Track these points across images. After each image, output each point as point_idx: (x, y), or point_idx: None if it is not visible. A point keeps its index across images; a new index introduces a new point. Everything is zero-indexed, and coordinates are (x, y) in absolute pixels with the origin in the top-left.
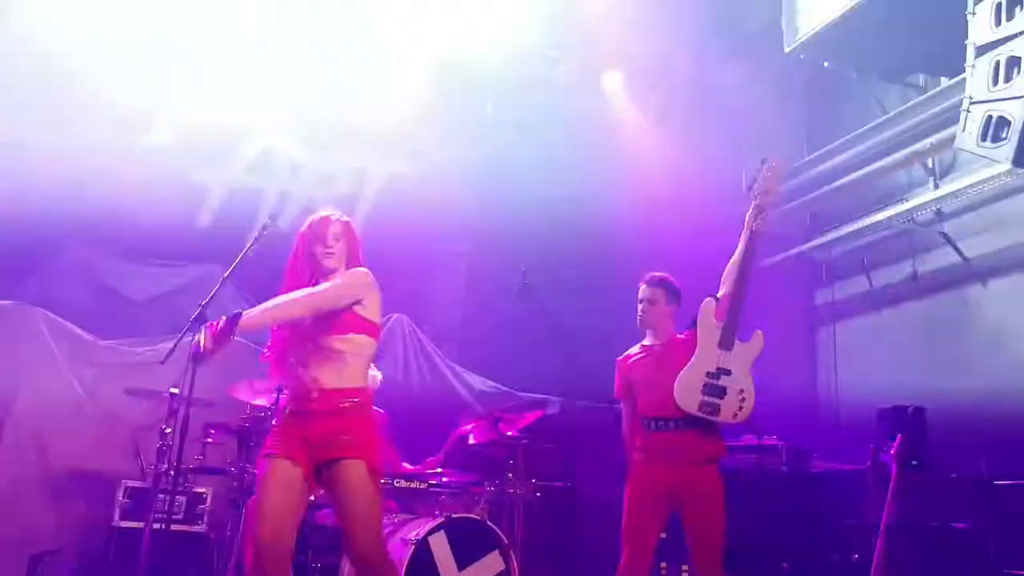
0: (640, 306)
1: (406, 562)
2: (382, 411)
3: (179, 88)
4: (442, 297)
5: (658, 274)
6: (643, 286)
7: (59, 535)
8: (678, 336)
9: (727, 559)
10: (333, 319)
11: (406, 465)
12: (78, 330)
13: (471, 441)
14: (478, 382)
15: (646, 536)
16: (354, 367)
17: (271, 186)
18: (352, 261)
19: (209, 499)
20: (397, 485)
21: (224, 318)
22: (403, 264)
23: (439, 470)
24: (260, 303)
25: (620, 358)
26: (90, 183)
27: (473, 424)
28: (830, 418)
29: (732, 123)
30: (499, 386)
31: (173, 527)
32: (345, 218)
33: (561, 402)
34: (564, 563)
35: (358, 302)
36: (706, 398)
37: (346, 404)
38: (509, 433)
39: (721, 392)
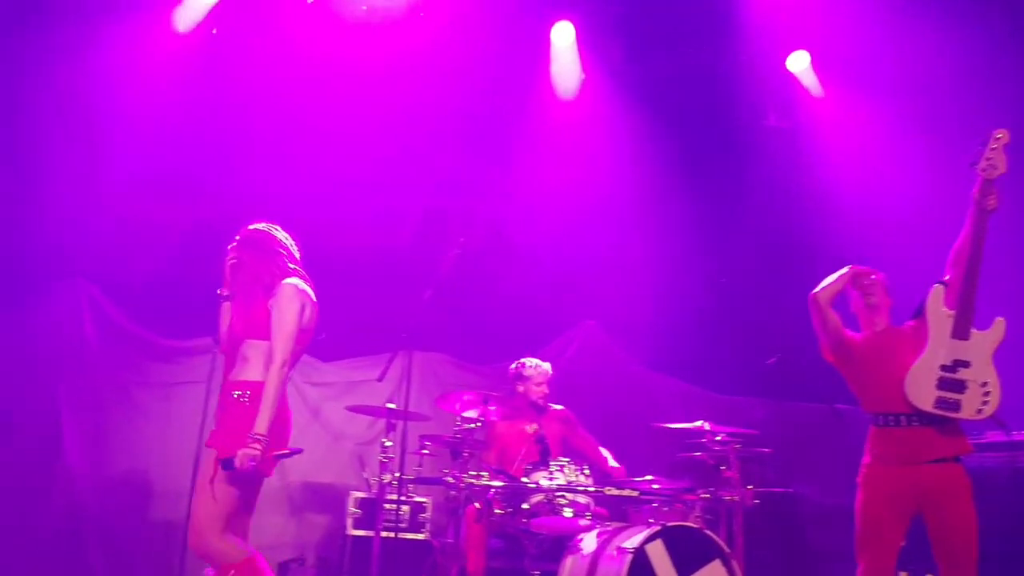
0: (872, 282)
1: (625, 570)
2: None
3: None
4: (631, 300)
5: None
6: (871, 276)
7: (300, 544)
8: (898, 327)
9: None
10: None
11: (611, 463)
12: (303, 355)
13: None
14: (675, 385)
15: (885, 544)
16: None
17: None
18: (269, 270)
19: (430, 508)
20: (608, 493)
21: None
22: (591, 269)
23: (649, 477)
24: None
25: None
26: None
27: (676, 430)
28: None
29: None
30: (698, 388)
31: (401, 535)
32: (241, 236)
33: (769, 404)
34: (791, 574)
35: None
36: (943, 394)
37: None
38: (719, 438)
39: (960, 387)
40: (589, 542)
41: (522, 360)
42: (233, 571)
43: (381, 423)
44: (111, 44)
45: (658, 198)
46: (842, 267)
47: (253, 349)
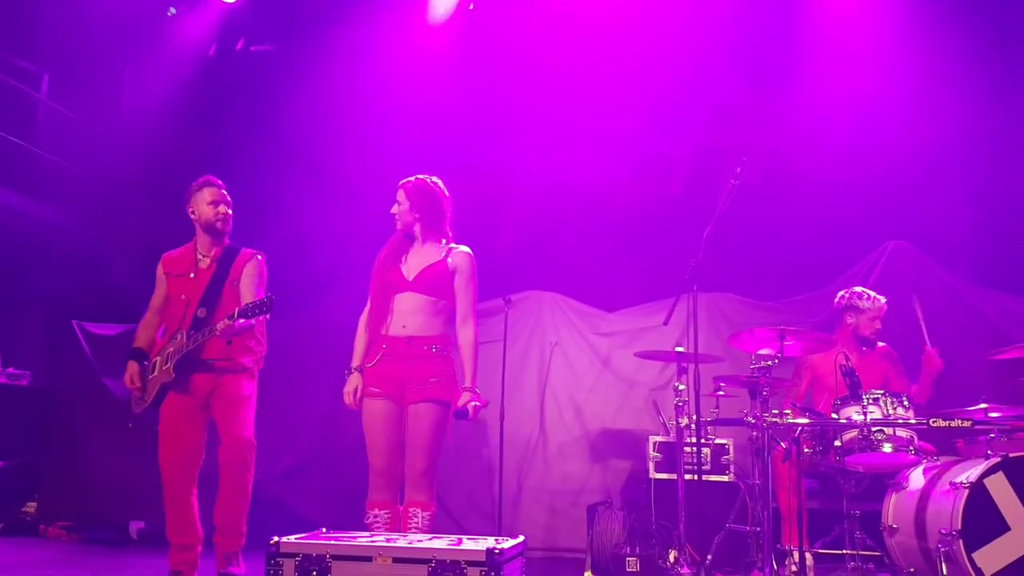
0: None
1: (961, 506)
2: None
3: None
4: (942, 213)
5: None
6: None
7: (604, 488)
8: None
9: None
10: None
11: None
12: (588, 307)
13: None
14: (1011, 302)
15: None
16: None
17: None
18: (432, 221)
19: (731, 450)
20: (933, 425)
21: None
22: (887, 185)
23: (983, 405)
24: None
25: None
26: None
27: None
28: None
29: None
30: None
31: (704, 477)
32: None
33: None
34: None
35: None
36: None
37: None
38: None
39: None
40: (915, 478)
41: (854, 290)
42: (432, 511)
43: (673, 368)
44: (380, 42)
45: (961, 94)
46: None
47: (432, 304)
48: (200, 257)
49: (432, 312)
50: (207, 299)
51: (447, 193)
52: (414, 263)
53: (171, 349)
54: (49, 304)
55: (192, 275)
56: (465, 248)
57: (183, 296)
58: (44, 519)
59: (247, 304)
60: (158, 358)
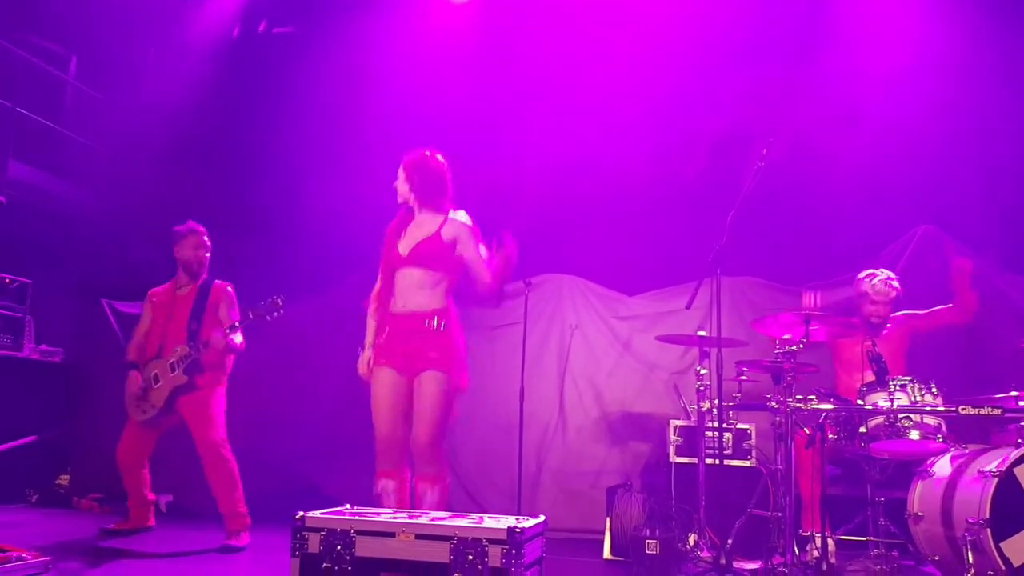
0: None
1: (989, 495)
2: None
3: None
4: (972, 201)
5: None
6: None
7: (624, 471)
8: None
9: None
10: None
11: None
12: (609, 290)
13: None
14: None
15: None
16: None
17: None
18: (427, 193)
19: (753, 435)
20: (962, 412)
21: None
22: (919, 167)
23: (1013, 393)
24: None
25: None
26: None
27: None
28: None
29: None
30: None
31: (725, 462)
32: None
33: None
34: None
35: None
36: None
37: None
38: None
39: None
40: (942, 466)
41: (866, 271)
42: (443, 484)
43: (694, 352)
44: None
45: (993, 76)
46: None
47: (429, 277)
48: (179, 287)
49: (430, 285)
50: (195, 315)
51: (447, 166)
52: (410, 238)
53: (172, 360)
54: (78, 282)
55: (176, 295)
56: (460, 215)
57: (169, 314)
58: (76, 491)
59: (257, 306)
60: (155, 371)
